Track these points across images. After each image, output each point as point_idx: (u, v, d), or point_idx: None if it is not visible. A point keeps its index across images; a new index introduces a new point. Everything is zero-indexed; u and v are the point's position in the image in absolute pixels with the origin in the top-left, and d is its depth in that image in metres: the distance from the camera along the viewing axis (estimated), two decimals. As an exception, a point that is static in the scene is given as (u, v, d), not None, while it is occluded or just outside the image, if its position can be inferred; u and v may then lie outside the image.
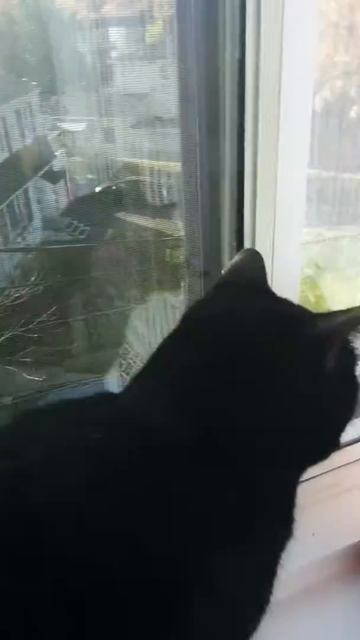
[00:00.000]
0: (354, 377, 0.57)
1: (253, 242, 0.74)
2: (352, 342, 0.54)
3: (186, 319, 0.62)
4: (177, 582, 0.44)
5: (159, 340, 1.06)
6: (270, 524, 0.54)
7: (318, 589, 0.86)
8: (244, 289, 0.61)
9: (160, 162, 0.96)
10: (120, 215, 1.00)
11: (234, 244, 0.76)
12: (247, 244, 0.74)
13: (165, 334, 0.93)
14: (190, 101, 0.75)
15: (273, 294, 0.62)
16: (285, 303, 0.60)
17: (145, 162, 0.97)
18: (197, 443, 0.49)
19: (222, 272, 0.65)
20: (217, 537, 0.48)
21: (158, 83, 0.91)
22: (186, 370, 0.54)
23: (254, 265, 0.64)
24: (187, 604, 0.44)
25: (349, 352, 0.55)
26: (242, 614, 0.52)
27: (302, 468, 0.57)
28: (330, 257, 1.15)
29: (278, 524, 0.55)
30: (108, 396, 0.59)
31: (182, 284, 0.91)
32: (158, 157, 0.97)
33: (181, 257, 0.90)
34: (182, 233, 0.87)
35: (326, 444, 0.57)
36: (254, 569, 0.53)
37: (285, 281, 0.72)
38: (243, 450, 0.50)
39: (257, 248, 0.72)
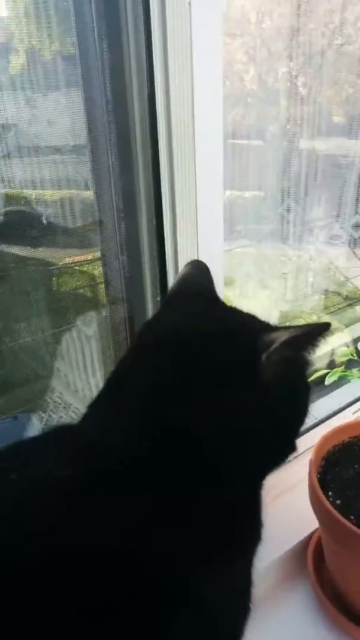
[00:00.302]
0: (301, 385, 0.59)
1: (176, 260, 0.74)
2: (300, 353, 0.55)
3: (140, 337, 0.61)
4: (163, 598, 0.44)
5: (75, 372, 1.02)
6: (244, 531, 0.55)
7: (263, 600, 0.87)
8: (194, 300, 0.61)
9: (62, 191, 0.94)
10: (16, 247, 0.96)
11: (157, 269, 0.76)
12: (170, 264, 0.75)
13: (81, 366, 0.90)
14: (99, 130, 0.75)
15: (222, 304, 0.63)
16: (235, 313, 0.61)
17: (48, 192, 0.95)
18: (166, 462, 0.49)
19: (171, 285, 0.65)
20: (200, 552, 0.48)
21: (51, 113, 0.89)
22: (145, 391, 0.53)
23: (201, 276, 0.64)
24: (175, 619, 0.44)
25: (295, 363, 0.56)
26: (229, 623, 0.52)
27: (265, 473, 0.58)
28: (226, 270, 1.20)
29: (250, 530, 0.55)
30: (66, 429, 0.56)
31: (103, 313, 0.89)
32: (59, 185, 0.95)
33: (97, 285, 0.88)
34: (97, 258, 0.85)
35: (282, 449, 0.59)
36: (235, 577, 0.53)
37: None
38: (208, 463, 0.51)
39: (181, 264, 0.74)
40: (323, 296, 1.36)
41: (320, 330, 0.53)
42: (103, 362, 1.01)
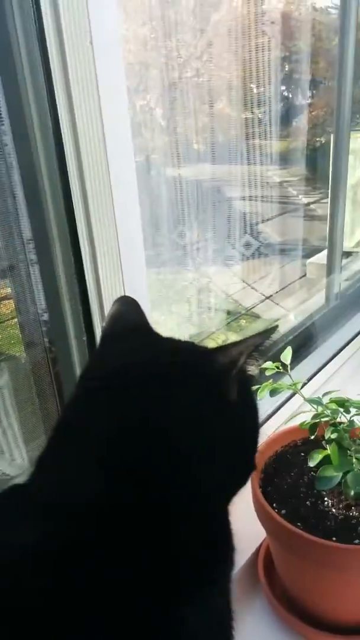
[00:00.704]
0: (253, 398, 0.60)
1: (99, 295, 0.73)
2: (246, 367, 0.56)
3: (82, 383, 0.58)
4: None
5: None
6: (220, 557, 0.55)
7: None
8: (131, 336, 0.60)
9: None
10: None
11: (79, 307, 0.74)
12: (93, 300, 0.74)
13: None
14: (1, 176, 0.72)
15: (159, 336, 0.62)
16: (177, 343, 0.61)
17: None
18: (140, 508, 0.48)
19: (97, 322, 0.63)
20: (181, 587, 0.47)
21: None
22: (106, 437, 0.51)
23: (132, 311, 0.63)
24: None
25: (247, 377, 0.57)
26: None
27: (231, 497, 0.58)
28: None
29: (225, 555, 0.55)
30: (17, 490, 0.52)
31: (22, 360, 0.85)
32: None
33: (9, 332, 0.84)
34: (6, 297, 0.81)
35: (247, 467, 0.60)
36: (216, 605, 0.53)
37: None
38: (183, 499, 0.50)
39: (107, 302, 0.73)
40: (222, 314, 1.41)
41: (271, 334, 0.54)
42: (20, 410, 0.96)
